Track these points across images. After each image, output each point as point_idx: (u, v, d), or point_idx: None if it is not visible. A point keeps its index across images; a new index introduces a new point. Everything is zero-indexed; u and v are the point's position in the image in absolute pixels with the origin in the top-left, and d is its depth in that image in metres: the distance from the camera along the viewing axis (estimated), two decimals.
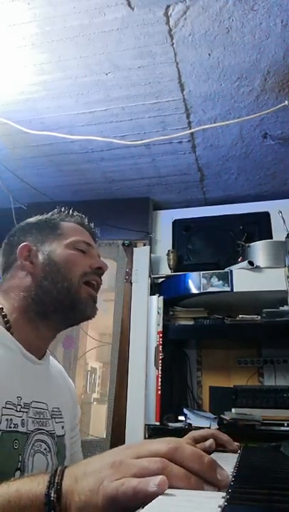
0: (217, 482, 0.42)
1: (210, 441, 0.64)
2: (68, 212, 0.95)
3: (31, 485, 0.45)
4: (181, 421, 2.23)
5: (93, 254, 0.90)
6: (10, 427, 0.69)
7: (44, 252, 0.86)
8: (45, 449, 0.76)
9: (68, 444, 0.87)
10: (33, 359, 0.81)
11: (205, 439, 0.72)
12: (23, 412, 0.73)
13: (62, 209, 0.96)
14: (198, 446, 0.50)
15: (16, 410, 0.71)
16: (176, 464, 0.42)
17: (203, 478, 0.42)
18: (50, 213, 0.95)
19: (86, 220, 0.97)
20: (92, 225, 0.97)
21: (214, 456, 0.66)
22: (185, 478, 0.41)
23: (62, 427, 0.85)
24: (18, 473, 0.68)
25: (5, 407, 0.69)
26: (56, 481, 0.44)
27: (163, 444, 0.44)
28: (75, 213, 0.96)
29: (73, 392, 0.98)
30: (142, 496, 0.39)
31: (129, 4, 1.47)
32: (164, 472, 0.41)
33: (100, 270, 0.88)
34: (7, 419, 0.69)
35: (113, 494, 0.40)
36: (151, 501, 0.38)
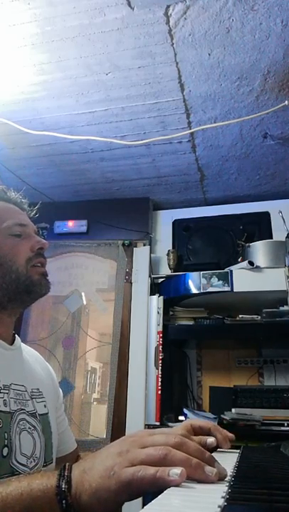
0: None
1: (211, 439, 0.63)
2: None
3: (42, 479, 0.49)
4: (181, 421, 2.23)
5: (30, 234, 0.87)
6: None
7: None
8: (29, 428, 0.78)
9: (54, 423, 0.89)
10: (5, 345, 0.82)
11: (202, 429, 0.66)
12: (4, 393, 0.75)
13: None
14: (199, 440, 0.55)
15: None
16: None
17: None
18: None
19: (10, 190, 0.92)
20: (15, 194, 0.92)
21: (214, 455, 0.66)
22: (187, 460, 0.46)
23: (45, 406, 0.86)
24: (6, 450, 0.70)
25: None
26: (66, 474, 0.48)
27: (169, 437, 0.49)
28: None
29: (53, 376, 1.00)
30: (160, 483, 0.43)
31: (129, 4, 1.47)
32: (168, 457, 0.45)
33: (41, 250, 0.86)
34: None
35: (128, 479, 0.44)
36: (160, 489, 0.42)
